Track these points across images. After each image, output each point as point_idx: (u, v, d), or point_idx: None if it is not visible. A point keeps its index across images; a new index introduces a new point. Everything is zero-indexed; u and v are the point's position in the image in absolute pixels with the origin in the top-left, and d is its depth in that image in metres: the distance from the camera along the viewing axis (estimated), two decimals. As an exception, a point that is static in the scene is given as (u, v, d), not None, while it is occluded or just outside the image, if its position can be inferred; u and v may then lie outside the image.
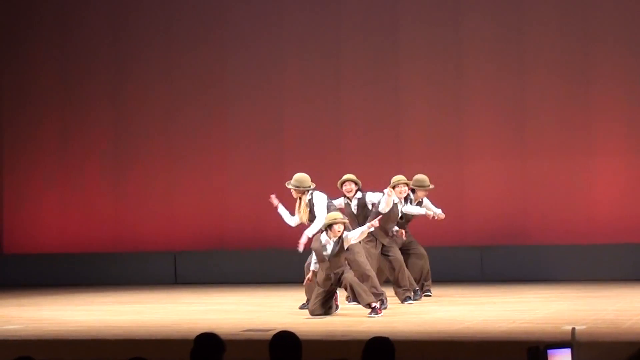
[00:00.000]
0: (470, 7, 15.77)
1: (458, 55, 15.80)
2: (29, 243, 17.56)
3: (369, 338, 5.90)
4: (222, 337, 6.31)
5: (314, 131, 16.35)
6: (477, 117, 15.70)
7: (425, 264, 12.66)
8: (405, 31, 16.04)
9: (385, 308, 10.95)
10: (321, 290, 10.81)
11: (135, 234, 17.08)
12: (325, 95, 16.35)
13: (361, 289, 10.68)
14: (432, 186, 12.69)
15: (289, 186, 11.63)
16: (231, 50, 16.81)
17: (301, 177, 11.63)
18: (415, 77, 15.96)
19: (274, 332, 6.15)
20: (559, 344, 5.92)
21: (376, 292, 11.00)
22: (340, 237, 10.78)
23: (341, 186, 12.00)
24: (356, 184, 12.01)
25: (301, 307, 11.36)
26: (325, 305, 10.82)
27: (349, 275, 10.75)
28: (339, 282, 10.78)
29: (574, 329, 7.07)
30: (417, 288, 12.39)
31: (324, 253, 10.77)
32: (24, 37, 17.75)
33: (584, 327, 8.86)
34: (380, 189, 16.09)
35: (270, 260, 16.12)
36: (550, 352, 5.79)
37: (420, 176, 12.69)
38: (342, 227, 10.79)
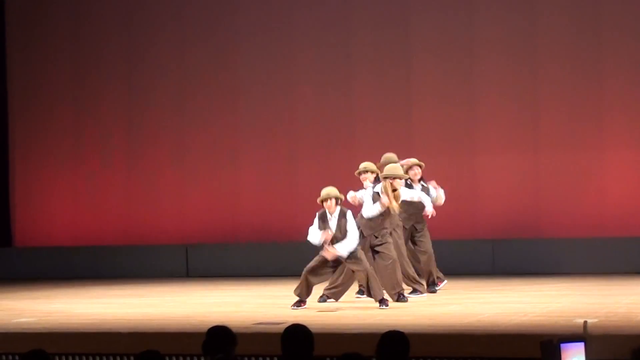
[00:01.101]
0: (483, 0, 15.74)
1: (470, 47, 15.76)
2: (40, 236, 17.60)
3: (380, 332, 5.90)
4: (234, 330, 6.33)
5: (325, 124, 16.33)
6: (489, 110, 15.66)
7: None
8: (417, 23, 16.01)
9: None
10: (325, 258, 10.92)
11: (147, 227, 17.10)
12: (336, 88, 16.33)
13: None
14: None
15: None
16: (242, 42, 16.79)
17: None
18: (427, 69, 15.93)
19: (286, 326, 6.16)
20: (573, 338, 5.91)
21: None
22: (343, 213, 10.90)
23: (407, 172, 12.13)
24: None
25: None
26: (324, 266, 10.91)
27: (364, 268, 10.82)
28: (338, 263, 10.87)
29: (586, 322, 7.07)
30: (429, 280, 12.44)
31: (328, 227, 10.92)
32: (36, 28, 17.76)
33: (596, 320, 8.85)
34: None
35: (282, 253, 16.11)
36: (563, 345, 5.78)
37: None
38: (332, 203, 10.89)
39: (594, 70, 15.27)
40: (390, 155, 12.08)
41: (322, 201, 11.04)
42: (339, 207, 11.00)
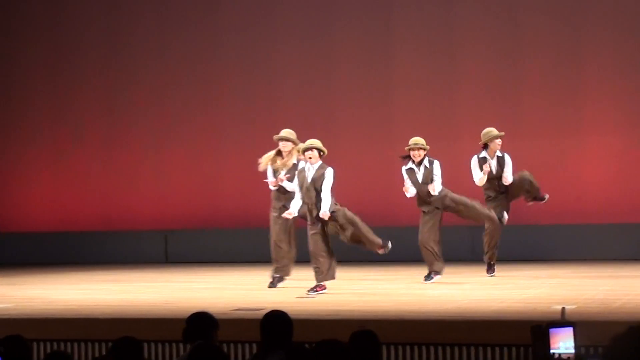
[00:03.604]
0: (463, -13, 15.77)
1: (451, 33, 15.77)
2: (19, 221, 17.53)
3: (360, 318, 5.90)
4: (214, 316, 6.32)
5: (306, 110, 16.31)
6: (469, 96, 15.69)
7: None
8: (399, 11, 16.00)
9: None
10: (314, 231, 10.78)
11: (126, 212, 17.06)
12: (317, 74, 16.32)
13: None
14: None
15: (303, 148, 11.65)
16: (224, 28, 16.75)
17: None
18: (408, 57, 15.94)
19: (265, 312, 6.16)
20: (562, 323, 5.92)
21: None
22: (321, 171, 10.72)
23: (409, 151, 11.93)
24: (425, 150, 11.94)
25: (270, 286, 11.46)
26: (328, 245, 10.76)
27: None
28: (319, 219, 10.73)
29: (564, 308, 7.08)
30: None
31: (305, 179, 10.76)
32: (13, 14, 17.65)
33: (574, 306, 8.88)
34: (370, 167, 16.12)
35: (262, 239, 16.05)
36: (552, 330, 5.78)
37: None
38: (314, 153, 10.71)
39: (573, 58, 15.32)
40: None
41: (304, 151, 10.80)
42: (320, 161, 10.75)
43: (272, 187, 11.71)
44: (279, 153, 11.65)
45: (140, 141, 17.06)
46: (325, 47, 16.30)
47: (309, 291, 10.66)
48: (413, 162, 11.98)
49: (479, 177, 12.45)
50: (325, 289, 10.73)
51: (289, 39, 16.47)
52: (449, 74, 15.77)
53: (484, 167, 12.40)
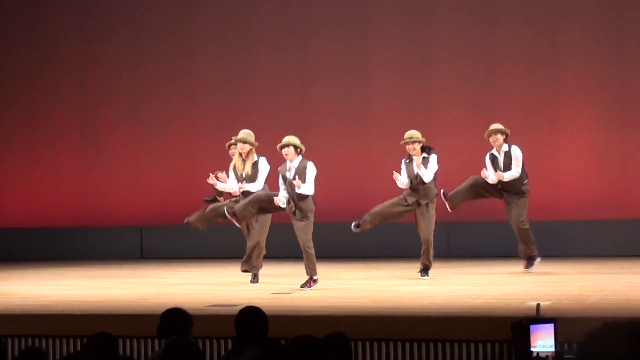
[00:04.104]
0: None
1: (427, 34, 15.81)
2: (-6, 217, 17.46)
3: (335, 314, 5.89)
4: (188, 312, 6.31)
5: (281, 109, 16.32)
6: (445, 94, 15.72)
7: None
8: (375, 13, 16.03)
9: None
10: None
11: (101, 208, 17.00)
12: (293, 75, 16.32)
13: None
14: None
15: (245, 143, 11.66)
16: (202, 32, 16.72)
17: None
18: (384, 54, 15.96)
19: (240, 307, 6.15)
20: (542, 319, 5.93)
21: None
22: (303, 164, 10.78)
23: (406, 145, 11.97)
24: (420, 142, 11.95)
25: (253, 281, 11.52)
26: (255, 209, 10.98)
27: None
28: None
29: (538, 304, 7.12)
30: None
31: (287, 175, 10.81)
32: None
33: (548, 302, 8.91)
34: (346, 164, 16.13)
35: (237, 235, 16.06)
36: (532, 327, 5.79)
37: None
38: (289, 150, 10.74)
39: (548, 56, 15.40)
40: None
41: (280, 148, 10.85)
42: (299, 157, 10.80)
43: (237, 193, 11.80)
44: (240, 155, 11.69)
45: (116, 137, 17.02)
46: (301, 47, 16.29)
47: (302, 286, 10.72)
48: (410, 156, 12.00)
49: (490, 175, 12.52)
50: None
51: (265, 41, 16.45)
52: (426, 72, 15.79)
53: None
